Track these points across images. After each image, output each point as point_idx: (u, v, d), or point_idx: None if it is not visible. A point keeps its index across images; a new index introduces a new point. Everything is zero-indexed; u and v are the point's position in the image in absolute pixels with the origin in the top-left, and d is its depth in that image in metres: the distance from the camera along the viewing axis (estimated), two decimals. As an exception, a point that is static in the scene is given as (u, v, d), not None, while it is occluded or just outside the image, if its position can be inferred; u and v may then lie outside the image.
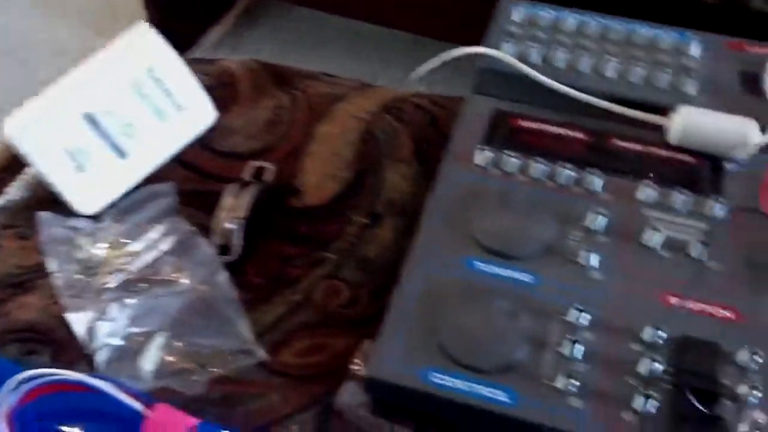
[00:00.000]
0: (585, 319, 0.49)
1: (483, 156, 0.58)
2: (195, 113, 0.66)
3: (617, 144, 0.59)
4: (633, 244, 0.53)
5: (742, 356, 0.47)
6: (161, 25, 0.67)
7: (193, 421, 0.48)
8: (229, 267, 0.56)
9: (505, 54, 0.62)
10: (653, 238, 0.53)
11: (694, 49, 0.64)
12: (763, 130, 0.57)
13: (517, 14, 0.66)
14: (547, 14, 0.67)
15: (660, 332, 0.48)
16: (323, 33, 1.73)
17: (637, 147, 0.59)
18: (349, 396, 0.50)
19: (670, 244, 0.53)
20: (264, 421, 0.50)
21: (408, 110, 0.69)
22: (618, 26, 0.65)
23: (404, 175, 0.63)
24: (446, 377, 0.47)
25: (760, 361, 0.47)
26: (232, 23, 1.77)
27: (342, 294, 0.56)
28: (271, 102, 0.70)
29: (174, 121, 0.65)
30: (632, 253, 0.53)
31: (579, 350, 0.47)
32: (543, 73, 0.61)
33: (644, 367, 0.47)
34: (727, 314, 0.50)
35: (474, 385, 0.47)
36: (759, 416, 0.45)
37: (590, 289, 0.51)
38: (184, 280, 0.56)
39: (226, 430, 0.48)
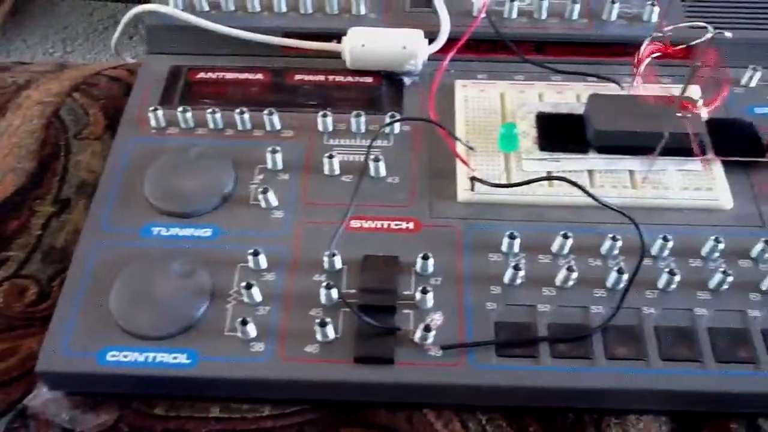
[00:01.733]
0: (263, 261, 0.48)
1: (156, 117, 0.55)
2: None
3: (298, 79, 0.58)
4: (315, 177, 0.52)
5: (420, 264, 0.47)
6: None
7: None
8: None
9: (170, 7, 0.59)
10: (333, 166, 0.52)
11: (365, -31, 0.63)
12: (430, 40, 0.58)
13: (184, -37, 0.64)
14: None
15: (337, 258, 0.47)
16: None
17: (318, 78, 0.58)
18: (42, 396, 0.47)
19: (351, 168, 0.52)
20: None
21: (102, 85, 0.65)
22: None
23: (96, 153, 0.59)
24: (124, 353, 0.45)
25: (431, 264, 0.47)
26: None
27: (29, 291, 0.52)
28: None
29: None
30: (314, 186, 0.52)
31: (256, 294, 0.46)
32: (214, 20, 0.59)
33: (325, 295, 0.46)
34: (409, 226, 0.50)
35: (153, 354, 0.44)
36: (434, 317, 0.46)
37: (273, 230, 0.49)
38: None
39: None
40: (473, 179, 0.50)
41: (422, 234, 0.49)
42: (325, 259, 0.47)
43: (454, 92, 0.57)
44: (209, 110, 0.54)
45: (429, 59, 0.58)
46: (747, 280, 0.47)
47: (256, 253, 0.47)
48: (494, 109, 0.55)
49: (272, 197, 0.50)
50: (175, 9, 0.58)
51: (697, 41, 0.54)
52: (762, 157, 0.52)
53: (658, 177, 0.51)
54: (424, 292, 0.45)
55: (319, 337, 0.45)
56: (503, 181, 0.51)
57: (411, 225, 0.50)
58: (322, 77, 0.58)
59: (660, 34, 0.53)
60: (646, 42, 0.54)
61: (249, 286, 0.46)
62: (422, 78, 0.58)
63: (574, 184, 0.47)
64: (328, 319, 0.44)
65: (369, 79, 0.57)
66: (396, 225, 0.50)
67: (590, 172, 0.52)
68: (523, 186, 0.49)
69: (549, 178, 0.49)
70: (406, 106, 0.56)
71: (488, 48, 0.59)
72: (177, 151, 0.53)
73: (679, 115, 0.49)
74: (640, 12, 0.59)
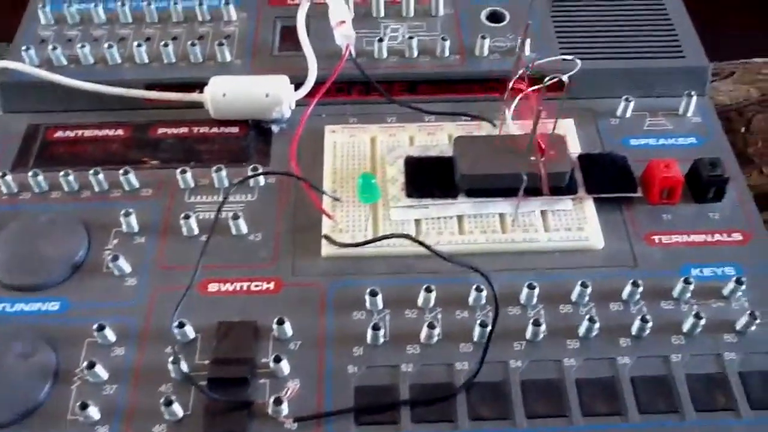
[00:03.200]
0: (110, 335, 0.45)
1: (6, 183, 0.52)
2: None
3: (161, 133, 0.55)
4: (173, 238, 0.49)
5: (276, 329, 0.45)
6: None
7: None
8: None
9: (24, 64, 0.56)
10: (191, 227, 0.49)
11: (232, 13, 0.61)
12: (298, 85, 0.56)
13: (44, 16, 0.61)
14: (75, 9, 0.61)
15: (187, 327, 0.44)
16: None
17: (181, 131, 0.55)
18: None
19: (211, 226, 0.49)
20: None
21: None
22: (152, 6, 0.60)
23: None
24: (-42, 446, 0.42)
25: (289, 328, 0.44)
26: None
27: None
28: None
29: None
30: (171, 248, 0.49)
31: (101, 372, 0.43)
32: (74, 74, 0.56)
33: (173, 370, 0.43)
34: (270, 287, 0.48)
35: (-12, 444, 0.42)
36: (290, 386, 0.43)
37: (125, 299, 0.47)
38: None
39: None
40: (325, 237, 0.48)
41: (283, 294, 0.47)
42: (175, 329, 0.45)
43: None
44: (62, 173, 0.52)
45: (301, 104, 0.56)
46: (617, 324, 0.45)
47: (101, 328, 0.44)
48: (364, 155, 0.53)
49: (124, 264, 0.48)
50: (30, 66, 0.56)
51: (557, 76, 0.52)
52: (634, 192, 0.51)
53: (529, 219, 0.50)
54: (277, 360, 0.43)
55: (166, 416, 0.42)
56: (369, 233, 0.49)
57: (272, 285, 0.47)
58: (185, 129, 0.55)
59: (523, 71, 0.52)
60: (511, 81, 0.52)
61: (91, 365, 0.43)
62: (292, 125, 0.55)
63: (417, 241, 0.45)
64: (173, 397, 0.41)
65: (235, 129, 0.55)
66: (256, 286, 0.48)
67: (459, 217, 0.50)
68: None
69: (391, 236, 0.47)
70: (274, 156, 0.54)
71: (361, 90, 0.57)
72: (26, 219, 0.50)
73: (532, 158, 0.47)
74: (514, 45, 0.58)
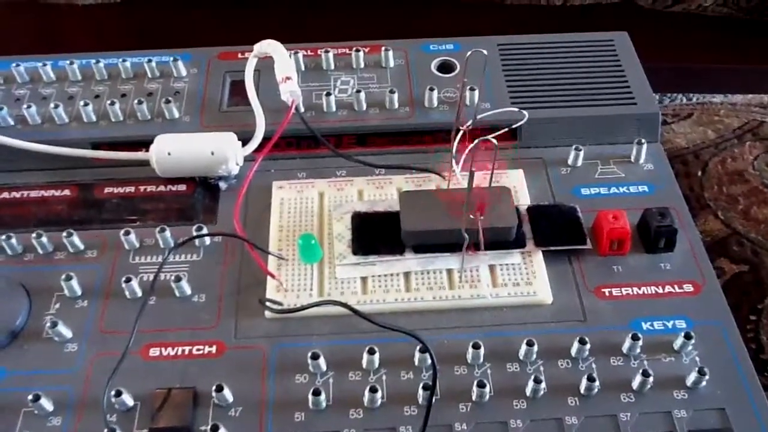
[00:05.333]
0: (47, 404, 0.44)
1: (-54, 247, 0.51)
2: None
3: (107, 192, 0.54)
4: (115, 301, 0.48)
5: (215, 396, 0.43)
6: None
7: None
8: None
9: (-32, 124, 0.56)
10: (133, 289, 0.48)
11: (182, 69, 0.60)
12: (246, 141, 0.55)
13: (-7, 74, 0.61)
14: (22, 68, 0.60)
15: (125, 396, 0.43)
16: None
17: (127, 190, 0.55)
18: None
19: (157, 288, 0.49)
20: None
21: None
22: (101, 64, 0.60)
23: None
24: None
25: (228, 394, 0.43)
26: None
27: None
28: None
29: None
30: (113, 312, 0.48)
31: (33, 447, 0.42)
32: (20, 135, 0.55)
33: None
34: (212, 350, 0.47)
35: None
36: (227, 458, 0.42)
37: (65, 366, 0.45)
38: None
39: None
40: (260, 302, 0.47)
41: (225, 358, 0.46)
42: (112, 398, 0.43)
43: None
44: (3, 236, 0.51)
45: (250, 159, 0.55)
46: (565, 382, 0.44)
47: (36, 398, 0.43)
48: (311, 212, 0.53)
49: (64, 329, 0.47)
50: (-28, 126, 0.56)
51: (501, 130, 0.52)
52: (584, 244, 0.50)
53: (477, 274, 0.49)
54: (215, 429, 0.41)
55: (100, 493, 0.41)
56: (315, 292, 0.48)
57: (213, 349, 0.46)
58: (132, 188, 0.54)
59: (469, 122, 0.51)
60: (459, 134, 0.52)
61: (26, 439, 0.42)
62: (241, 181, 0.55)
63: (348, 307, 0.44)
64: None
65: (183, 187, 0.54)
66: (198, 350, 0.47)
67: (406, 274, 0.49)
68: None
69: (323, 302, 0.46)
70: (221, 213, 0.53)
71: (310, 144, 0.56)
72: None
73: (469, 215, 0.46)
74: (464, 96, 0.58)
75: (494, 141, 0.42)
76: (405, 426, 0.43)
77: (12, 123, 0.57)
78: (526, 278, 0.49)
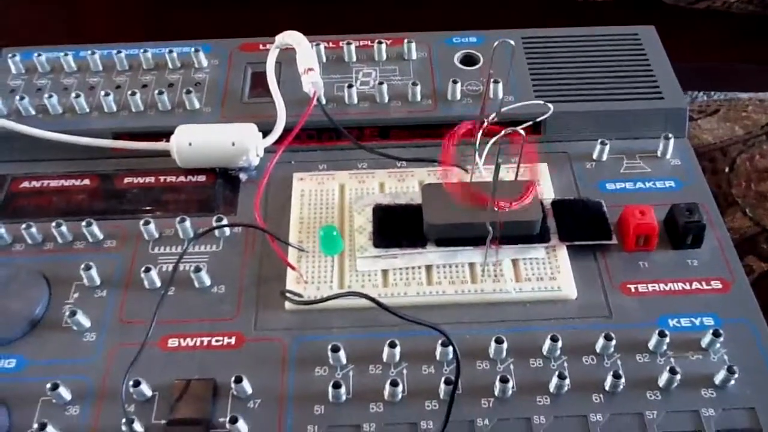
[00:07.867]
0: (66, 394, 0.43)
1: (-33, 235, 0.51)
2: None
3: (127, 182, 0.54)
4: (135, 292, 0.48)
5: (234, 387, 0.43)
6: None
7: None
8: None
9: (-11, 113, 0.56)
10: (152, 279, 0.48)
11: (203, 60, 0.60)
12: (267, 132, 0.55)
13: (14, 64, 0.60)
14: (44, 58, 0.60)
15: (144, 386, 0.43)
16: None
17: (148, 180, 0.54)
18: None
19: (177, 278, 0.48)
20: None
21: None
22: (122, 54, 0.60)
23: None
24: None
25: (247, 386, 0.43)
26: None
27: None
28: None
29: None
30: (133, 302, 0.48)
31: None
32: (41, 124, 0.55)
33: (128, 431, 0.42)
34: (231, 342, 0.46)
35: None
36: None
37: (84, 356, 0.45)
38: None
39: None
40: (281, 293, 0.46)
41: (244, 350, 0.45)
42: (131, 388, 0.43)
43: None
44: (24, 226, 0.51)
45: (271, 151, 0.55)
46: (589, 379, 0.43)
47: (54, 387, 0.43)
48: (332, 204, 0.52)
49: (83, 319, 0.46)
50: (-6, 116, 0.56)
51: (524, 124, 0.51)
52: (609, 239, 0.49)
53: (500, 268, 0.48)
54: (233, 421, 0.41)
55: (121, 481, 0.40)
56: (336, 284, 0.48)
57: (233, 340, 0.46)
58: (152, 179, 0.54)
59: (492, 115, 0.51)
60: (478, 126, 0.51)
61: (42, 427, 0.41)
62: (261, 172, 0.54)
63: (369, 298, 0.43)
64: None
65: (203, 178, 0.54)
66: (217, 341, 0.46)
67: (428, 267, 0.49)
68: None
69: (346, 294, 0.45)
70: (241, 204, 0.53)
71: (331, 136, 0.56)
72: (-12, 274, 0.49)
73: (494, 209, 0.46)
74: (488, 88, 0.57)
75: (522, 132, 0.41)
76: (426, 421, 0.42)
77: (33, 113, 0.57)
78: (550, 273, 0.48)
